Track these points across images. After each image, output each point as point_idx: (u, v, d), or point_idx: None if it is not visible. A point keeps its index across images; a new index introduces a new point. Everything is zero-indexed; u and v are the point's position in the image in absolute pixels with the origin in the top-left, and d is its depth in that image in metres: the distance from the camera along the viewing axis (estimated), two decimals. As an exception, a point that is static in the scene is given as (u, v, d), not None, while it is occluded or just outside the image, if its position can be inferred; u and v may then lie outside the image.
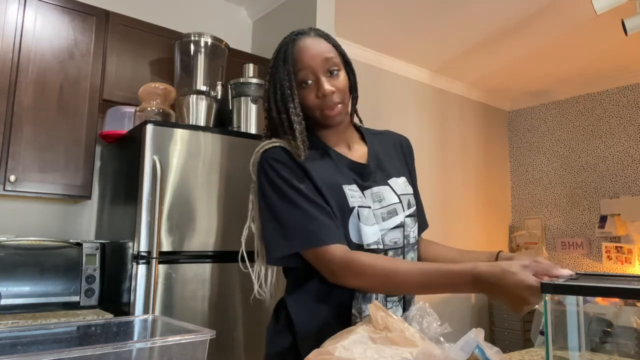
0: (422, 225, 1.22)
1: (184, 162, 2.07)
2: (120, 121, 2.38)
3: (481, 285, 0.83)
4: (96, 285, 2.18)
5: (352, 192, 1.03)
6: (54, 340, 0.63)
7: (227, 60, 2.60)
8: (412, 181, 1.20)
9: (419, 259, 1.18)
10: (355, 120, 1.20)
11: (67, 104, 2.26)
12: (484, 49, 3.90)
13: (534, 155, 5.00)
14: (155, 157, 1.99)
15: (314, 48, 1.04)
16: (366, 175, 1.08)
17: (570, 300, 0.84)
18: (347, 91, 1.08)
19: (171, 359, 0.57)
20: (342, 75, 1.06)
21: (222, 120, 2.47)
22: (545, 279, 0.77)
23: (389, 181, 1.10)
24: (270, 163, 1.03)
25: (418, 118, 4.33)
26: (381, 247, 1.02)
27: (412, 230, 1.10)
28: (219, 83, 2.49)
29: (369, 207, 1.03)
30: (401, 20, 3.42)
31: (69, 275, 2.13)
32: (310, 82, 1.04)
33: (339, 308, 1.00)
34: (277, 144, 1.05)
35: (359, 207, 1.01)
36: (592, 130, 4.57)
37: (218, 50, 2.54)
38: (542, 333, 3.39)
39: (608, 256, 4.20)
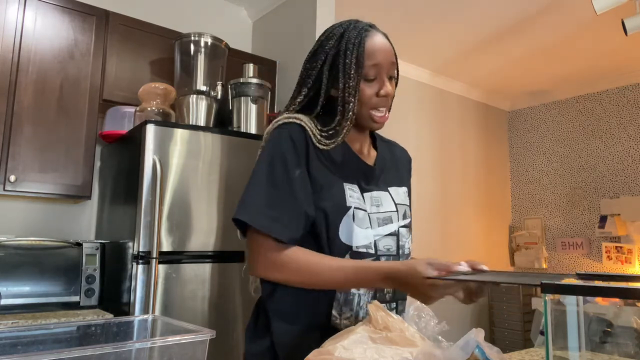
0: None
1: (184, 162, 2.07)
2: (120, 121, 2.38)
3: (394, 282, 0.89)
4: (96, 285, 2.18)
5: (351, 192, 1.02)
6: (54, 340, 0.63)
7: (227, 60, 2.60)
8: (409, 195, 1.21)
9: None
10: None
11: (67, 104, 2.26)
12: (484, 49, 3.90)
13: (534, 155, 5.00)
14: (155, 157, 1.99)
15: (388, 49, 1.04)
16: (370, 178, 1.08)
17: (570, 300, 0.84)
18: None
19: (171, 359, 0.57)
20: (394, 84, 1.08)
21: (222, 120, 2.47)
22: (444, 274, 0.84)
23: (390, 189, 1.10)
24: (283, 138, 1.00)
25: (418, 118, 4.33)
26: (372, 251, 1.01)
27: (407, 241, 1.10)
28: (219, 83, 2.49)
29: (365, 210, 1.02)
30: (401, 20, 3.42)
31: (69, 275, 2.13)
32: (374, 79, 1.03)
33: (318, 309, 0.99)
34: (298, 121, 1.03)
35: (355, 208, 1.00)
36: (592, 130, 4.57)
37: (218, 50, 2.54)
38: (542, 333, 3.39)
39: (608, 256, 4.21)
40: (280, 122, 1.04)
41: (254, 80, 2.47)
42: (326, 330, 0.96)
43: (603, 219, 4.26)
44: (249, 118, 2.43)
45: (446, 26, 3.51)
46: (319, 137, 1.02)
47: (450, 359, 0.74)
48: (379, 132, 1.22)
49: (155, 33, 2.56)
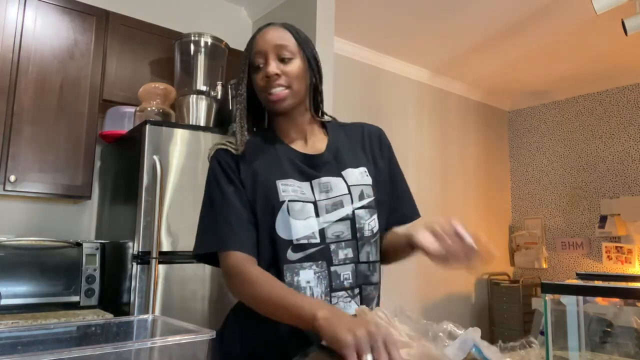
0: (408, 215, 1.18)
1: (184, 162, 2.07)
2: (120, 121, 2.38)
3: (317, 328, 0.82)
4: (96, 285, 2.18)
5: (285, 187, 1.02)
6: (54, 340, 0.63)
7: (227, 60, 2.60)
8: (383, 171, 1.16)
9: (384, 259, 1.14)
10: (327, 117, 1.19)
11: (67, 104, 2.26)
12: (484, 49, 3.90)
13: (534, 155, 5.00)
14: (155, 157, 1.99)
15: (269, 34, 1.07)
16: (317, 166, 1.07)
17: (570, 300, 0.84)
18: (300, 79, 1.07)
19: (171, 359, 0.57)
20: (296, 63, 1.06)
21: (222, 120, 2.47)
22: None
23: (343, 172, 1.08)
24: (211, 163, 1.08)
25: (418, 118, 4.33)
26: (316, 240, 1.00)
27: (368, 222, 1.05)
28: (219, 83, 2.49)
29: (306, 202, 1.01)
30: (401, 20, 3.42)
31: (69, 275, 2.13)
32: (261, 65, 1.06)
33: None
34: (220, 146, 1.09)
35: (289, 201, 1.00)
36: (592, 130, 4.57)
37: (218, 50, 2.54)
38: (542, 333, 3.39)
39: (608, 256, 4.21)
40: (210, 154, 1.11)
41: (254, 80, 2.47)
42: (285, 326, 0.93)
43: (603, 219, 4.26)
44: (249, 118, 2.43)
45: (446, 26, 3.51)
46: (231, 148, 1.07)
47: (448, 358, 0.74)
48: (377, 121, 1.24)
49: (155, 33, 2.56)
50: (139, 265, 1.93)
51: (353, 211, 1.04)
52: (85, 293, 2.15)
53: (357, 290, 1.02)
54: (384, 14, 3.32)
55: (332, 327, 0.76)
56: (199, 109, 2.34)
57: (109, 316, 2.06)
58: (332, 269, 1.00)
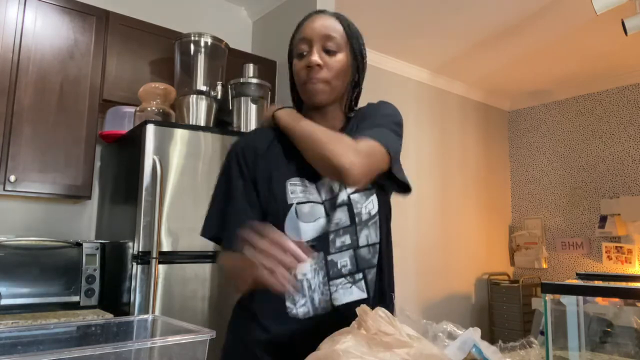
0: (399, 187, 1.08)
1: (184, 162, 2.07)
2: (120, 121, 2.38)
3: None
4: (96, 285, 2.18)
5: (293, 187, 1.01)
6: (54, 340, 0.63)
7: (227, 60, 2.60)
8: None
9: (382, 234, 1.08)
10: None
11: (67, 104, 2.26)
12: (484, 49, 3.90)
13: (534, 155, 5.00)
14: (155, 157, 1.99)
15: (318, 22, 1.03)
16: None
17: (570, 300, 0.84)
18: (341, 75, 1.03)
19: (171, 359, 0.57)
20: (341, 58, 1.02)
21: (222, 120, 2.47)
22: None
23: None
24: (229, 151, 1.08)
25: (418, 118, 4.33)
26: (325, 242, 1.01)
27: (364, 206, 1.03)
28: (219, 83, 2.49)
29: (314, 202, 1.01)
30: (401, 20, 3.42)
31: (69, 275, 2.13)
32: (304, 53, 1.02)
33: (272, 303, 0.99)
34: (243, 141, 1.09)
35: (298, 203, 0.99)
36: (592, 130, 4.57)
37: (218, 50, 2.54)
38: (542, 333, 3.39)
39: (608, 256, 4.21)
40: (233, 142, 1.11)
41: (254, 80, 2.47)
42: (285, 320, 0.98)
43: (603, 219, 4.26)
44: (249, 118, 2.43)
45: (446, 26, 3.51)
46: (253, 144, 1.07)
47: (448, 358, 0.74)
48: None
49: (155, 33, 2.56)
50: (139, 265, 1.93)
51: (348, 196, 1.02)
52: (85, 293, 2.15)
53: (359, 275, 1.01)
54: (383, 14, 3.32)
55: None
56: (199, 109, 2.34)
57: (109, 316, 2.06)
58: (329, 257, 1.00)
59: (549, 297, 0.78)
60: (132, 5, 2.72)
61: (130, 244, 2.02)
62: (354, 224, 1.02)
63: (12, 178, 2.07)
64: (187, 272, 2.03)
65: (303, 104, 1.10)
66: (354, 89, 1.10)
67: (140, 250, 1.94)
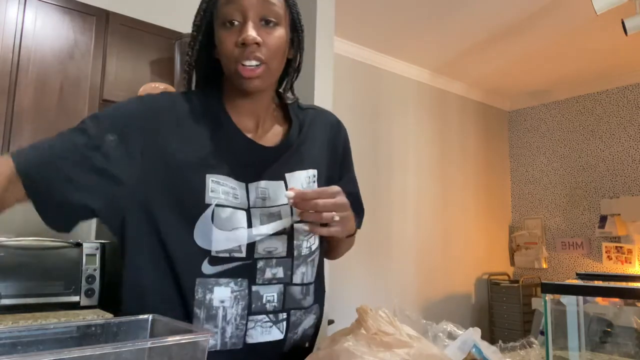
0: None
1: (184, 162, 2.07)
2: (120, 121, 2.38)
3: None
4: (96, 285, 2.18)
5: (215, 185, 0.81)
6: (54, 340, 0.63)
7: (227, 60, 2.60)
8: (338, 175, 0.98)
9: (318, 274, 0.95)
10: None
11: (67, 104, 2.26)
12: (484, 49, 3.90)
13: (534, 155, 5.00)
14: (155, 157, 1.98)
15: None
16: (261, 164, 0.86)
17: (570, 300, 0.84)
18: (280, 55, 0.84)
19: (171, 359, 0.57)
20: (280, 32, 0.82)
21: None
22: None
23: (287, 174, 0.87)
24: (135, 99, 0.85)
25: (418, 118, 4.33)
26: (241, 255, 0.81)
27: (307, 238, 0.88)
28: (219, 83, 2.49)
29: (238, 208, 0.82)
30: (401, 20, 3.42)
31: (69, 275, 2.13)
32: (236, 23, 0.79)
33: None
34: (180, 92, 0.88)
35: (217, 205, 0.80)
36: (592, 130, 4.57)
37: (218, 50, 2.54)
38: (542, 333, 3.39)
39: (608, 256, 4.21)
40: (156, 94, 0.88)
41: (254, 80, 2.47)
42: None
43: (603, 219, 4.26)
44: (249, 118, 2.43)
45: (446, 26, 3.51)
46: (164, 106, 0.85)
47: (448, 358, 0.74)
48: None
49: (155, 33, 2.56)
50: (139, 265, 1.93)
51: (292, 225, 0.85)
52: (85, 293, 2.15)
53: (283, 315, 0.85)
54: (383, 14, 3.32)
55: None
56: (199, 109, 2.34)
57: (109, 316, 2.06)
58: (254, 288, 0.82)
59: (549, 297, 0.78)
60: (132, 5, 2.72)
61: (130, 244, 2.02)
62: (291, 257, 0.86)
63: (12, 178, 2.07)
64: (187, 272, 2.03)
65: (222, 86, 0.89)
66: (288, 66, 0.90)
67: (140, 250, 1.94)
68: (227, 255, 0.80)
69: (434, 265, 4.23)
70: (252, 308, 0.82)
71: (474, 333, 0.79)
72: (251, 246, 0.82)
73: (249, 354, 0.82)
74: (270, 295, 0.84)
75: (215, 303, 0.79)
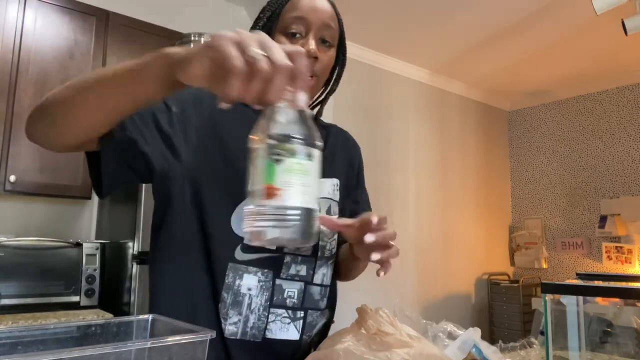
0: None
1: (184, 162, 2.07)
2: (120, 121, 2.38)
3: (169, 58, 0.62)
4: (96, 285, 2.18)
5: None
6: (54, 340, 0.63)
7: (227, 60, 2.60)
8: (354, 186, 1.05)
9: (338, 274, 1.01)
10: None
11: (67, 104, 2.26)
12: (484, 49, 3.90)
13: (534, 155, 5.00)
14: (155, 157, 1.99)
15: (322, 7, 0.89)
16: None
17: (570, 300, 0.84)
18: (328, 72, 0.93)
19: (171, 359, 0.57)
20: (332, 53, 0.92)
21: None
22: None
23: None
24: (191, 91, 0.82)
25: (418, 118, 4.33)
26: (272, 247, 0.85)
27: (330, 241, 0.93)
28: (219, 83, 2.49)
29: None
30: (401, 21, 3.42)
31: (69, 275, 2.13)
32: (298, 35, 0.87)
33: (200, 310, 0.83)
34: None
35: None
36: (592, 130, 4.57)
37: (218, 50, 2.54)
38: (542, 333, 3.39)
39: (608, 256, 4.21)
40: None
41: (254, 80, 2.47)
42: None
43: (603, 219, 4.26)
44: (249, 118, 2.43)
45: (446, 26, 3.51)
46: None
47: (448, 358, 0.74)
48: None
49: (155, 33, 2.56)
50: (139, 265, 1.93)
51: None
52: (85, 293, 2.15)
53: (300, 314, 0.88)
54: (383, 14, 3.32)
55: (191, 49, 0.58)
56: (199, 109, 2.34)
57: (109, 316, 2.06)
58: (278, 282, 0.86)
59: (549, 297, 0.78)
60: (132, 5, 2.72)
61: (130, 244, 2.02)
62: (315, 257, 0.90)
63: (12, 178, 2.07)
64: (187, 272, 2.03)
65: None
66: (325, 88, 0.98)
67: (140, 250, 1.94)
68: (259, 244, 0.81)
69: (434, 265, 4.23)
70: (273, 300, 0.85)
71: (474, 333, 0.79)
72: None
73: (265, 349, 0.84)
74: (291, 291, 0.87)
75: (243, 290, 0.83)
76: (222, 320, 0.82)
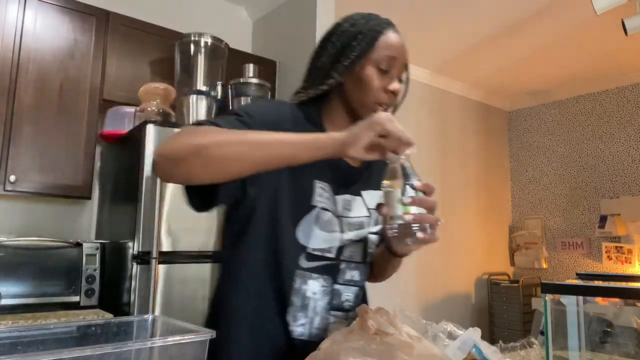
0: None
1: (184, 162, 2.07)
2: (120, 121, 2.38)
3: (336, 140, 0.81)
4: (96, 285, 2.18)
5: (321, 191, 0.94)
6: (54, 340, 0.63)
7: (227, 61, 2.60)
8: None
9: (372, 276, 1.09)
10: None
11: (67, 104, 2.26)
12: (484, 49, 3.89)
13: (534, 155, 5.00)
14: (155, 157, 1.98)
15: (404, 48, 1.03)
16: (348, 180, 0.99)
17: (570, 300, 0.84)
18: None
19: (171, 359, 0.57)
20: (402, 88, 1.06)
21: (222, 120, 2.47)
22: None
23: (364, 192, 1.02)
24: (263, 104, 0.99)
25: (418, 118, 4.33)
26: (331, 255, 0.94)
27: (374, 249, 1.04)
28: (219, 83, 2.49)
29: (334, 213, 0.95)
30: (401, 21, 3.41)
31: (69, 275, 2.13)
32: (386, 71, 0.98)
33: (268, 311, 0.91)
34: (291, 103, 0.99)
35: (321, 209, 0.93)
36: (592, 130, 4.57)
37: (218, 51, 2.54)
38: (542, 333, 3.39)
39: (608, 256, 4.20)
40: (256, 104, 1.05)
41: (254, 80, 2.47)
42: (278, 337, 0.90)
43: (603, 219, 4.26)
44: (249, 118, 2.43)
45: (446, 26, 3.51)
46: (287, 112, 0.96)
47: (448, 358, 0.74)
48: None
49: (155, 33, 2.56)
50: (139, 265, 1.93)
51: (367, 235, 1.01)
52: (85, 293, 2.15)
53: (353, 314, 0.96)
54: (383, 14, 3.31)
55: (355, 129, 0.79)
56: (199, 109, 2.34)
57: (109, 316, 2.06)
58: (336, 287, 0.96)
59: (549, 297, 0.78)
60: (132, 5, 2.72)
61: (130, 244, 2.02)
62: (364, 263, 1.01)
63: (12, 178, 2.07)
64: (187, 272, 2.03)
65: (334, 105, 1.00)
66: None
67: (140, 250, 1.94)
68: (319, 253, 0.93)
69: (434, 265, 4.22)
70: (333, 304, 0.95)
71: (474, 333, 0.79)
72: (340, 249, 0.95)
73: None
74: (348, 294, 0.98)
75: (309, 294, 0.92)
76: (291, 322, 0.91)
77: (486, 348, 0.78)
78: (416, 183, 0.84)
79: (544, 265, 4.68)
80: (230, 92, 2.47)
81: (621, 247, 4.14)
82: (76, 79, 2.30)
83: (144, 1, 2.83)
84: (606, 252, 4.21)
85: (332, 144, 0.79)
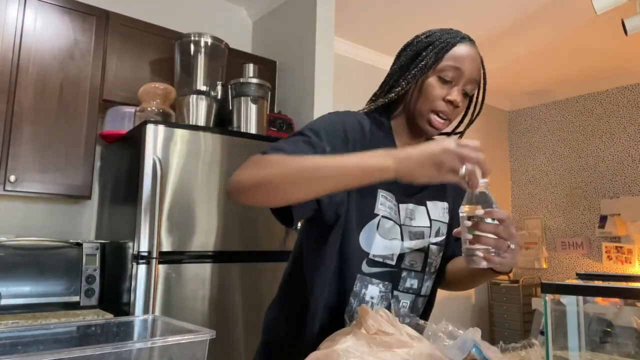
0: (456, 253, 1.11)
1: (184, 162, 2.07)
2: (120, 121, 2.38)
3: (403, 161, 0.79)
4: (96, 285, 2.18)
5: (384, 200, 0.97)
6: (54, 340, 0.63)
7: (227, 60, 2.60)
8: (454, 216, 1.12)
9: (436, 285, 1.11)
10: None
11: (67, 104, 2.26)
12: (484, 49, 3.88)
13: (534, 155, 5.00)
14: (155, 157, 1.98)
15: (473, 58, 0.99)
16: (411, 189, 1.01)
17: (570, 300, 0.84)
18: (459, 117, 1.07)
19: (171, 359, 0.57)
20: (466, 103, 1.04)
21: (222, 120, 2.47)
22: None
23: (428, 202, 1.05)
24: (333, 119, 0.97)
25: (418, 118, 4.33)
26: (392, 262, 0.97)
27: (436, 258, 1.06)
28: (219, 83, 2.49)
29: (395, 222, 0.98)
30: (400, 21, 3.42)
31: (69, 275, 2.13)
32: (451, 82, 0.97)
33: (331, 312, 0.97)
34: (360, 112, 1.03)
35: (383, 217, 0.96)
36: (592, 130, 4.57)
37: (218, 51, 2.54)
38: (542, 333, 3.39)
39: (608, 256, 4.20)
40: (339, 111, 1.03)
41: (254, 80, 2.47)
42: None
43: (603, 219, 4.26)
44: (249, 118, 2.43)
45: (446, 26, 3.51)
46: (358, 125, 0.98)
47: (447, 358, 0.74)
48: None
49: (155, 33, 2.56)
50: (139, 265, 1.93)
51: (428, 245, 1.03)
52: (85, 293, 2.15)
53: (407, 320, 0.99)
54: (384, 14, 3.32)
55: (417, 155, 0.77)
56: (199, 109, 2.34)
57: (109, 316, 2.06)
58: (395, 293, 0.99)
59: (549, 297, 0.78)
60: (132, 5, 2.72)
61: (130, 244, 2.02)
62: (424, 272, 1.03)
63: (12, 178, 2.07)
64: (187, 272, 2.03)
65: (399, 114, 1.05)
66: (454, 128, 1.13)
67: (140, 250, 1.94)
68: (381, 260, 0.96)
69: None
70: (390, 309, 0.98)
71: (474, 333, 0.79)
72: (401, 257, 0.98)
73: None
74: (405, 302, 1.01)
75: (367, 298, 0.96)
76: (348, 321, 0.95)
77: (486, 348, 0.78)
78: (493, 211, 0.82)
79: (544, 265, 4.68)
80: (230, 92, 2.47)
81: (621, 247, 4.14)
82: (76, 79, 2.30)
83: (144, 1, 2.83)
84: (606, 252, 4.21)
85: (394, 173, 0.78)
